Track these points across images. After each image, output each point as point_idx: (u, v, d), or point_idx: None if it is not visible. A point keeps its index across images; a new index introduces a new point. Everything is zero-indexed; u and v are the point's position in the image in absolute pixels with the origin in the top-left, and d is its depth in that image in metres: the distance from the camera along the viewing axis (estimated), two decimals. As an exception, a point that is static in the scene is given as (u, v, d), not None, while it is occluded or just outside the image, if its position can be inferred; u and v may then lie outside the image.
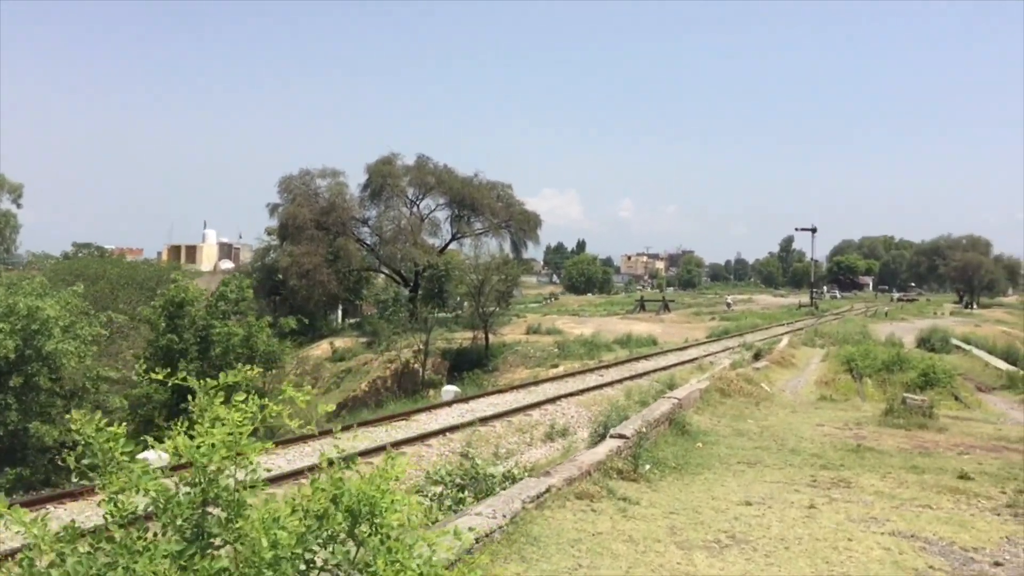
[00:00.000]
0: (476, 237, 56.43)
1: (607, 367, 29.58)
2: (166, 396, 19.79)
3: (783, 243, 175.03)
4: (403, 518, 3.15)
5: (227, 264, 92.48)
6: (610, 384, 24.29)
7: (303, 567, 2.95)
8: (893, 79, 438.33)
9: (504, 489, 7.87)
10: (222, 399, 3.19)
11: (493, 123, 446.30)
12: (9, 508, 2.77)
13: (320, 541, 3.09)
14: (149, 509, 2.94)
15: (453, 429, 17.68)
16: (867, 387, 22.78)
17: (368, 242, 55.56)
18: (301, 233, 50.07)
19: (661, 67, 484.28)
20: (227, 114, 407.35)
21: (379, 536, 3.07)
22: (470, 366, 37.02)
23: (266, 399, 3.27)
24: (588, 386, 23.91)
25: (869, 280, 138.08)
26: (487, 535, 6.07)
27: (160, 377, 3.19)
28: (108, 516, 2.90)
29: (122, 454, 2.90)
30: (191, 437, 2.95)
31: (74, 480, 2.68)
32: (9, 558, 8.90)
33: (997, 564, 6.47)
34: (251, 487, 3.03)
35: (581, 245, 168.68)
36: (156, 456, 3.30)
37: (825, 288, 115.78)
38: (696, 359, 30.62)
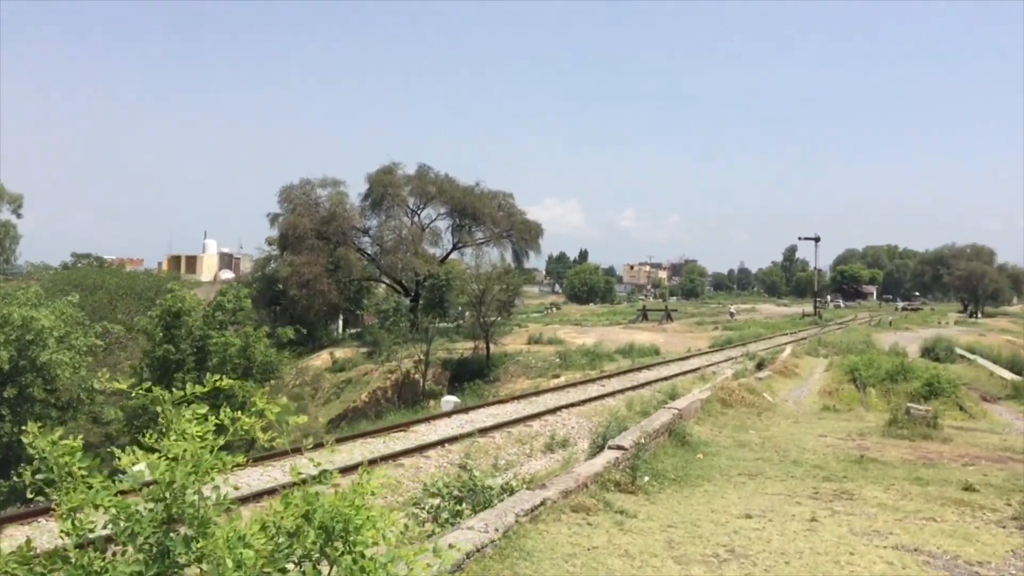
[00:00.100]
0: (477, 246, 56.51)
1: (609, 377, 29.46)
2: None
3: (786, 252, 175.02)
4: (378, 536, 3.01)
5: (227, 274, 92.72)
6: (611, 394, 24.16)
7: (272, 587, 2.80)
8: (896, 88, 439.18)
9: (502, 501, 7.71)
10: (204, 410, 3.06)
11: (495, 132, 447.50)
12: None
13: (293, 560, 2.96)
14: (109, 528, 2.80)
15: (452, 440, 17.54)
16: (871, 397, 22.54)
17: (369, 252, 55.58)
18: (301, 243, 50.09)
19: (664, 76, 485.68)
20: (228, 124, 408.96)
21: (352, 555, 2.93)
22: (471, 376, 36.92)
23: (239, 412, 3.13)
24: (589, 396, 23.78)
25: (873, 289, 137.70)
26: (478, 550, 5.91)
27: (123, 387, 3.05)
28: (64, 535, 2.76)
29: (79, 468, 2.76)
30: (154, 451, 2.82)
31: (28, 496, 2.54)
32: None
33: (1003, 579, 6.30)
34: (218, 504, 2.89)
35: (583, 254, 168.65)
36: (145, 469, 3.17)
37: (829, 297, 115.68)
38: (698, 369, 30.48)
